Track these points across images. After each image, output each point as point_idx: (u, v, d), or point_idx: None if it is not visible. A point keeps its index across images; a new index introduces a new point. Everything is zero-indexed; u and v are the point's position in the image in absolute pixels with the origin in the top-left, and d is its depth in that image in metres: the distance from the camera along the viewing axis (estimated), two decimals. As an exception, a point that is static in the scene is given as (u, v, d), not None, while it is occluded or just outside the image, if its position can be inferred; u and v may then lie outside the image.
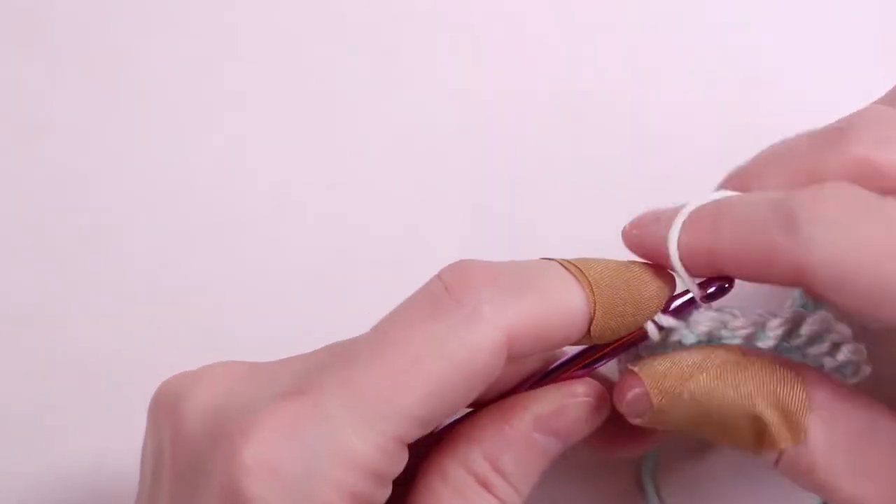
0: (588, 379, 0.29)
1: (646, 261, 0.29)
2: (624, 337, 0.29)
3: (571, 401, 0.29)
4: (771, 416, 0.27)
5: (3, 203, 0.41)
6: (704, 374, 0.27)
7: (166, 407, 0.28)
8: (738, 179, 0.31)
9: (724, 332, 0.29)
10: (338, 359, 0.26)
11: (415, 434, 0.26)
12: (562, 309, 0.27)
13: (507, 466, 0.28)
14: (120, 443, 0.38)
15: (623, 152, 0.41)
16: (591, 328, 0.27)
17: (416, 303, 0.26)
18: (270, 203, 0.41)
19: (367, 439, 0.25)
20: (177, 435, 0.27)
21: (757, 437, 0.27)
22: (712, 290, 0.29)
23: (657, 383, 0.28)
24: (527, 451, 0.28)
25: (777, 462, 0.27)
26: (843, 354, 0.28)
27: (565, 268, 0.27)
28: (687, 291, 0.29)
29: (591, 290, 0.27)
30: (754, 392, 0.27)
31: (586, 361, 0.29)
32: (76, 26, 0.43)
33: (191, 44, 0.43)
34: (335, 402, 0.25)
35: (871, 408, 0.27)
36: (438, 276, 0.27)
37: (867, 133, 0.28)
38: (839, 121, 0.29)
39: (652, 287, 0.28)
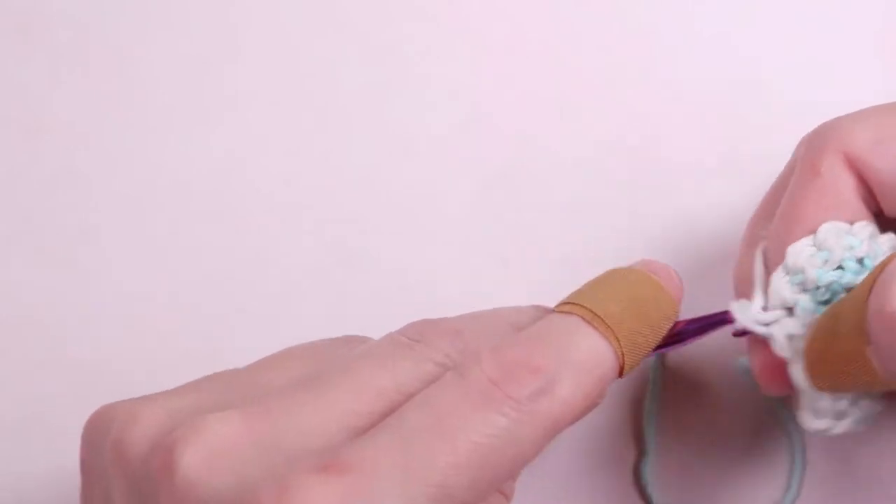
0: None
1: (648, 266, 0.29)
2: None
3: None
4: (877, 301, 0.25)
5: (2, 203, 0.41)
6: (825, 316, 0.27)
7: (156, 464, 0.25)
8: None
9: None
10: (385, 431, 0.24)
11: None
12: (597, 379, 0.27)
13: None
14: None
15: (623, 151, 0.40)
16: (622, 374, 0.27)
17: (464, 390, 0.25)
18: (270, 203, 0.41)
19: None
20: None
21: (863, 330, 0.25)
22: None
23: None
24: None
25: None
26: None
27: (589, 323, 0.27)
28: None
29: (619, 345, 0.27)
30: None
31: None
32: (76, 26, 0.43)
33: (191, 44, 0.43)
34: (386, 482, 0.23)
35: None
36: (480, 367, 0.25)
37: None
38: None
39: (665, 308, 0.29)
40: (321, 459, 0.23)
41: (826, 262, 0.28)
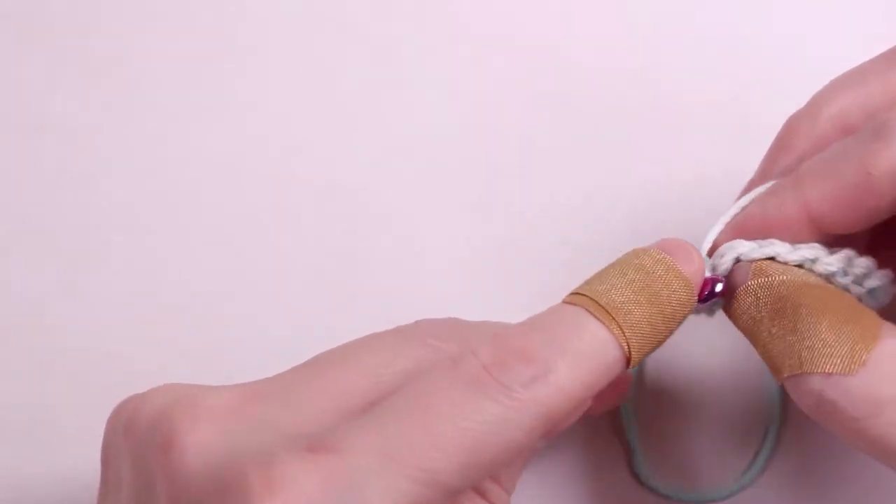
0: None
1: (663, 250, 0.28)
2: None
3: None
4: (834, 336, 0.26)
5: (2, 203, 0.41)
6: (798, 278, 0.27)
7: (156, 436, 0.26)
8: (806, 115, 0.30)
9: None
10: (372, 416, 0.25)
11: (443, 501, 0.25)
12: (598, 370, 0.26)
13: (499, 472, 0.28)
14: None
15: (624, 150, 0.41)
16: (630, 366, 0.27)
17: (455, 376, 0.25)
18: (270, 202, 0.41)
19: None
20: (175, 474, 0.25)
21: (810, 353, 0.26)
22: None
23: (760, 267, 0.28)
24: None
25: (820, 398, 0.26)
26: (871, 281, 0.29)
27: (594, 315, 0.26)
28: (715, 284, 0.29)
29: (624, 335, 0.26)
30: (833, 309, 0.26)
31: None
32: (76, 26, 0.43)
33: (191, 44, 0.43)
34: (368, 462, 0.23)
35: None
36: (475, 354, 0.25)
37: None
38: None
39: (680, 293, 0.28)
40: (309, 440, 0.24)
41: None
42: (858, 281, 0.29)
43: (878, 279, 0.29)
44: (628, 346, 0.26)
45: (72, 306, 0.40)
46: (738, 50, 0.42)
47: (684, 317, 0.28)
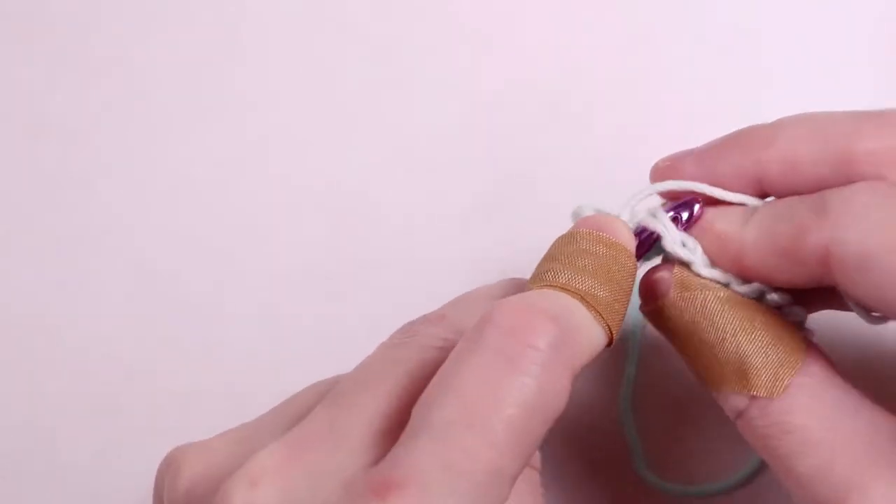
0: None
1: (594, 227, 0.29)
2: None
3: None
4: (760, 360, 0.27)
5: (2, 203, 0.41)
6: (724, 294, 0.28)
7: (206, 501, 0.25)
8: (764, 134, 0.30)
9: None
10: (416, 433, 0.24)
11: (512, 487, 0.24)
12: (590, 346, 0.27)
13: None
14: (120, 443, 0.38)
15: (624, 150, 0.41)
16: (611, 343, 0.27)
17: (483, 357, 0.24)
18: (270, 202, 0.41)
19: None
20: None
21: (736, 374, 0.27)
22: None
23: (682, 279, 0.29)
24: None
25: (741, 412, 0.28)
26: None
27: (587, 304, 0.27)
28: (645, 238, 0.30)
29: (603, 318, 0.27)
30: (759, 330, 0.28)
31: None
32: (76, 26, 0.43)
33: (191, 44, 0.43)
34: (439, 487, 0.23)
35: (859, 395, 0.27)
36: (491, 324, 0.25)
37: None
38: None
39: (628, 264, 0.28)
40: (372, 482, 0.23)
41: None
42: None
43: (790, 316, 0.29)
44: (608, 326, 0.27)
45: (71, 306, 0.40)
46: (738, 50, 0.42)
47: (633, 283, 0.29)
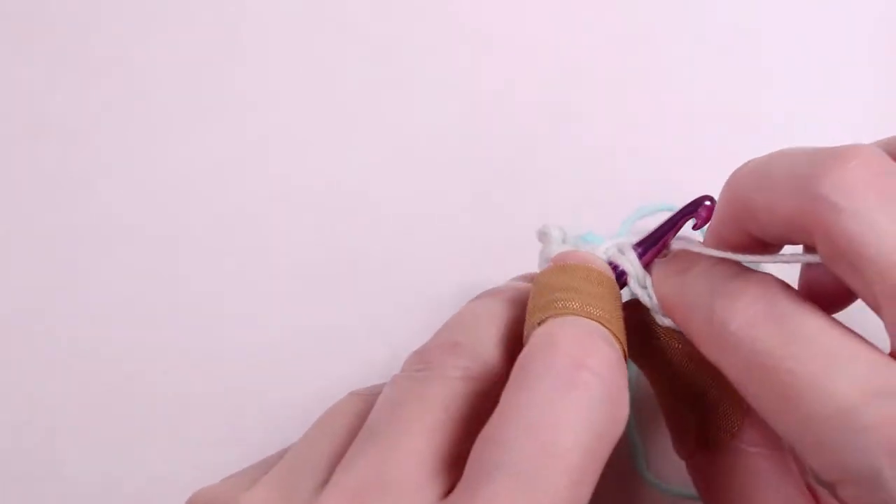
0: None
1: (583, 262, 0.29)
2: None
3: None
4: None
5: (2, 203, 0.41)
6: (681, 346, 0.30)
7: None
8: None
9: None
10: (486, 467, 0.23)
11: None
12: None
13: None
14: (120, 443, 0.38)
15: (624, 151, 0.41)
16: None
17: (544, 379, 0.24)
18: (270, 202, 0.41)
19: None
20: None
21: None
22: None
23: (647, 323, 0.30)
24: None
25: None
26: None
27: (603, 325, 0.27)
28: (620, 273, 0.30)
29: (621, 343, 0.27)
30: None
31: None
32: (76, 26, 0.43)
33: (191, 44, 0.43)
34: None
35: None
36: (547, 351, 0.24)
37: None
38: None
39: (614, 290, 0.29)
40: None
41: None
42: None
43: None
44: (623, 348, 0.27)
45: (72, 306, 0.40)
46: (738, 50, 0.42)
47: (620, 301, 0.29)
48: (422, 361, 0.27)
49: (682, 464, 0.34)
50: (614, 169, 0.40)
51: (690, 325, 0.27)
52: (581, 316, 0.26)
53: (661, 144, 0.41)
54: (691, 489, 0.36)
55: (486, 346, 0.26)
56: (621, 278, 0.30)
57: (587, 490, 0.23)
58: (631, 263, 0.30)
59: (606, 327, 0.26)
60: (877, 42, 0.42)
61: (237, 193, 0.41)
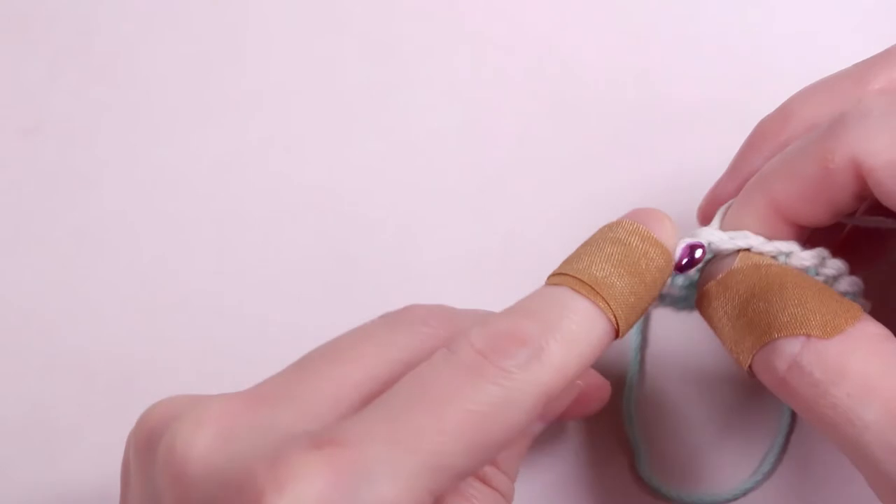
0: None
1: (635, 220, 0.29)
2: None
3: None
4: (817, 304, 0.27)
5: (2, 203, 0.41)
6: (783, 265, 0.28)
7: (160, 447, 0.26)
8: (777, 118, 0.31)
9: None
10: (378, 408, 0.25)
11: (451, 486, 0.25)
12: (589, 345, 0.27)
13: (499, 456, 0.28)
14: (120, 443, 0.38)
15: (625, 152, 0.41)
16: (619, 335, 0.27)
17: (453, 363, 0.26)
18: (270, 202, 0.41)
19: (408, 491, 0.24)
20: (180, 483, 0.25)
21: (792, 318, 0.26)
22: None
23: (744, 252, 0.29)
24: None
25: (792, 362, 0.26)
26: (841, 285, 0.29)
27: (578, 292, 0.27)
28: (694, 251, 0.29)
29: (610, 307, 0.27)
30: (817, 287, 0.27)
31: None
32: (76, 26, 0.43)
33: (191, 44, 0.43)
34: (376, 452, 0.24)
35: None
36: (469, 342, 0.26)
37: None
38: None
39: (658, 259, 0.28)
40: (315, 437, 0.24)
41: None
42: (829, 282, 0.29)
43: (848, 284, 0.29)
44: (615, 317, 0.27)
45: (72, 306, 0.40)
46: (738, 50, 0.42)
47: (663, 280, 0.28)
48: (412, 313, 0.29)
49: (682, 464, 0.34)
50: (615, 169, 0.40)
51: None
52: (574, 280, 0.27)
53: (661, 144, 0.41)
54: (691, 492, 0.36)
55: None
56: (692, 261, 0.29)
57: (459, 457, 0.24)
58: (710, 234, 0.29)
59: (598, 293, 0.27)
60: (877, 41, 0.41)
61: (237, 193, 0.41)
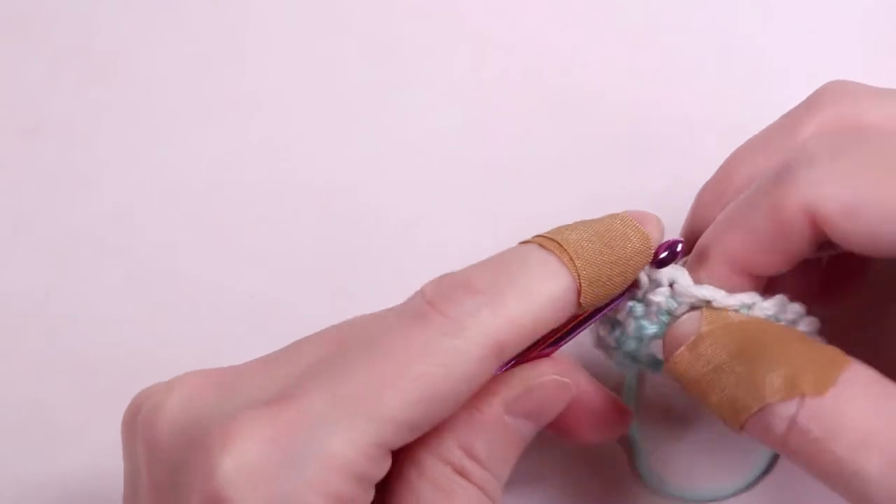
0: (554, 357, 0.29)
1: (630, 212, 0.29)
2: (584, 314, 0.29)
3: (538, 380, 0.29)
4: (805, 361, 0.26)
5: (2, 203, 0.41)
6: (755, 314, 0.28)
7: (138, 421, 0.28)
8: (717, 182, 0.31)
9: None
10: (325, 364, 0.26)
11: (401, 440, 0.25)
12: (547, 298, 0.27)
13: (482, 452, 0.28)
14: (120, 443, 0.38)
15: (625, 150, 0.41)
16: (581, 300, 0.27)
17: (402, 315, 0.26)
18: (270, 202, 0.41)
19: (352, 444, 0.24)
20: (151, 449, 0.27)
21: (782, 380, 0.26)
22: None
23: (709, 311, 0.28)
24: (500, 435, 0.28)
25: (791, 423, 0.26)
26: (801, 326, 0.29)
27: (544, 247, 0.27)
28: (675, 245, 0.29)
29: (574, 264, 0.27)
30: (796, 338, 0.28)
31: (554, 338, 0.29)
32: (76, 26, 0.43)
33: (191, 44, 0.43)
34: (321, 406, 0.24)
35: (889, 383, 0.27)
36: (421, 293, 0.26)
37: (835, 96, 0.29)
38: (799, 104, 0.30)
39: (635, 242, 0.28)
40: (268, 398, 0.25)
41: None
42: (790, 325, 0.29)
43: (806, 325, 0.29)
44: (578, 276, 0.27)
45: (72, 306, 0.40)
46: (738, 50, 0.42)
47: (638, 264, 0.28)
48: (438, 293, 0.28)
49: (682, 464, 0.34)
50: (614, 169, 0.40)
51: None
52: (543, 240, 0.27)
53: (661, 144, 0.41)
54: (690, 490, 0.36)
55: None
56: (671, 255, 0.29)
57: (402, 411, 0.25)
58: (681, 275, 0.29)
59: (565, 249, 0.27)
60: (876, 41, 0.41)
61: (238, 193, 0.41)
